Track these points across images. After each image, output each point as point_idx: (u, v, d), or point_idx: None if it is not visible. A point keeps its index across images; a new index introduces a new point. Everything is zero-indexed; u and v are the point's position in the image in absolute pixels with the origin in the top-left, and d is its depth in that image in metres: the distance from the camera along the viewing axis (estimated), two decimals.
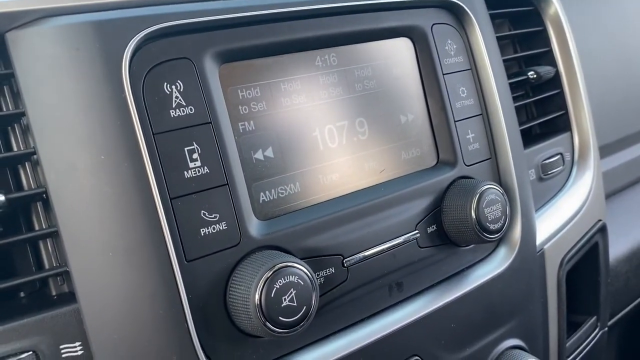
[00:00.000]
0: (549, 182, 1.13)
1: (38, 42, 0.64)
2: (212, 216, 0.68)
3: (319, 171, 0.79)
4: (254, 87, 0.74)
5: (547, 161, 1.12)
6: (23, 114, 0.66)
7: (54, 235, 0.68)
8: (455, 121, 0.90)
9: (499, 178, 0.96)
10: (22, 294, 0.71)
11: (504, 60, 1.00)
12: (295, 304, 0.67)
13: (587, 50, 1.36)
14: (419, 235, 0.85)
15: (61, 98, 0.64)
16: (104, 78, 0.64)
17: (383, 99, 0.85)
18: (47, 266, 0.70)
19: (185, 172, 0.67)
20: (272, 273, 0.66)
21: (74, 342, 0.66)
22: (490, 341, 0.94)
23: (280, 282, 0.66)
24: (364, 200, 0.80)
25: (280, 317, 0.66)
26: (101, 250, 0.64)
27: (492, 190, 0.87)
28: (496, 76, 0.94)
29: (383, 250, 0.81)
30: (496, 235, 0.87)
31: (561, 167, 1.15)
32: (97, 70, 0.63)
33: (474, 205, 0.85)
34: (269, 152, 0.75)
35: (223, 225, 0.69)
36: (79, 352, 0.66)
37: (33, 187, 0.70)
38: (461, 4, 0.91)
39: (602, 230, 1.22)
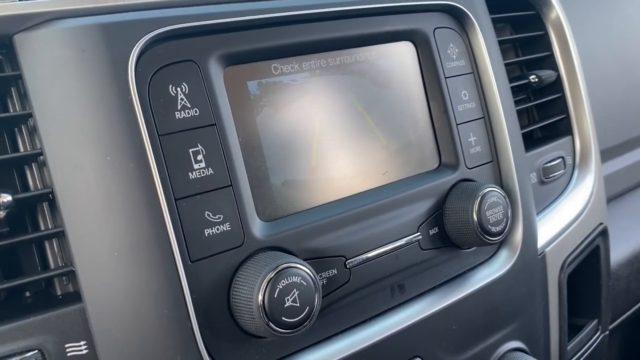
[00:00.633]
0: (550, 185, 1.13)
1: (45, 44, 0.65)
2: (216, 217, 0.69)
3: (322, 173, 0.79)
4: (258, 90, 0.75)
5: (548, 164, 1.12)
6: (30, 115, 0.67)
7: (60, 235, 0.69)
8: (457, 124, 0.91)
9: (500, 181, 0.96)
10: (27, 294, 0.71)
11: (506, 64, 1.00)
12: (298, 305, 0.67)
13: (588, 54, 1.36)
14: (421, 237, 0.85)
15: (68, 99, 0.64)
16: (110, 80, 0.64)
17: (386, 102, 0.86)
18: (52, 266, 0.71)
19: (190, 173, 0.68)
20: (276, 274, 0.67)
21: (79, 341, 0.66)
22: (491, 343, 0.94)
23: (283, 283, 0.67)
24: (367, 202, 0.81)
25: (283, 318, 0.66)
26: (106, 250, 0.65)
27: (493, 193, 0.87)
28: (498, 80, 0.94)
29: (385, 252, 0.81)
30: (498, 238, 0.87)
31: (562, 171, 1.16)
32: (104, 72, 0.64)
33: (475, 207, 0.85)
34: (273, 154, 0.75)
35: (227, 226, 0.69)
36: (84, 351, 0.66)
37: (39, 187, 0.70)
38: (463, 8, 0.92)
39: (603, 233, 1.22)
